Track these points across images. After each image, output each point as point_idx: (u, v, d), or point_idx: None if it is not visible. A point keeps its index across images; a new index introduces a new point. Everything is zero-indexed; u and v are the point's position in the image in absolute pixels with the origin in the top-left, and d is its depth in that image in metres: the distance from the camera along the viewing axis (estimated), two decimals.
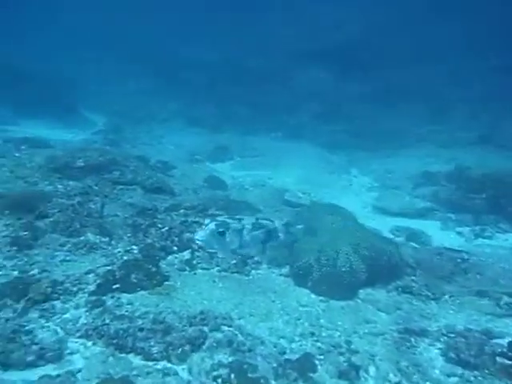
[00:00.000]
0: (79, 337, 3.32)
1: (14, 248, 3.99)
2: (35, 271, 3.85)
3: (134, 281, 3.99)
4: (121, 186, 6.18)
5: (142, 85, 17.50)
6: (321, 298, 4.15)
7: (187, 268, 4.55)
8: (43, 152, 6.60)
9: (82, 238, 4.43)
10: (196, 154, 11.33)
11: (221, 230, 2.89)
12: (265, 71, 18.36)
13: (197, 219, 5.28)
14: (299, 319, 3.81)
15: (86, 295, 3.73)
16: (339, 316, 3.89)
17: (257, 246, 3.10)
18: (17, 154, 6.37)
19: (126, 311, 3.54)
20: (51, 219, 4.49)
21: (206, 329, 3.45)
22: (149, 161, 8.49)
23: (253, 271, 4.67)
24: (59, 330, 3.36)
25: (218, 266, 4.64)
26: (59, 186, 5.80)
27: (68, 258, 4.12)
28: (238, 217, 3.09)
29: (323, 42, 19.07)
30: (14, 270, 3.81)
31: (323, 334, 3.63)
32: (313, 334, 3.61)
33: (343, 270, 4.26)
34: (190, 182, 8.03)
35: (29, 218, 4.40)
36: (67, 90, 14.46)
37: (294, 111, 15.83)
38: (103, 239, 4.55)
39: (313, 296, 4.19)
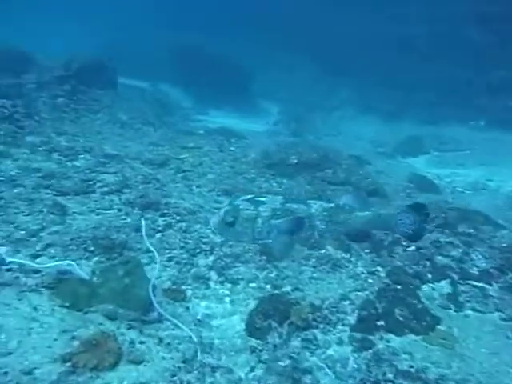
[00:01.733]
0: None
1: (264, 257, 3.74)
2: (288, 288, 3.48)
3: (400, 319, 3.20)
4: (333, 187, 5.59)
5: (310, 71, 16.96)
6: None
7: (452, 306, 3.52)
8: (254, 146, 6.60)
9: (322, 252, 3.92)
10: (380, 147, 10.08)
11: (229, 220, 2.39)
12: (446, 43, 15.12)
13: (449, 239, 4.15)
14: None
15: (348, 329, 3.14)
16: None
17: (278, 237, 2.41)
18: (232, 148, 6.51)
19: (411, 367, 2.76)
20: None
21: None
22: None
23: None
24: (327, 369, 2.85)
25: (498, 310, 3.44)
26: (274, 184, 5.59)
27: (315, 276, 3.65)
28: (261, 199, 2.47)
29: None
30: (266, 284, 3.53)
31: None
32: None
33: None
34: (393, 182, 6.90)
35: None
36: (242, 79, 14.82)
37: (497, 92, 12.56)
38: (344, 255, 3.94)
39: None
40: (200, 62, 14.59)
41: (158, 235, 3.94)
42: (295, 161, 5.78)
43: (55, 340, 2.11)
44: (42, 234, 3.40)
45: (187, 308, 3.27)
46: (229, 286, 3.54)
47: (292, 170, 5.75)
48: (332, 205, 2.54)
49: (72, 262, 2.91)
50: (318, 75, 16.60)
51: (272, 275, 3.62)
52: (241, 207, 2.46)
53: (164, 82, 14.25)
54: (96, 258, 3.37)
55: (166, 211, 4.17)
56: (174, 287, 3.44)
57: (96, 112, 6.64)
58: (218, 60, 14.71)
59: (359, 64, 16.53)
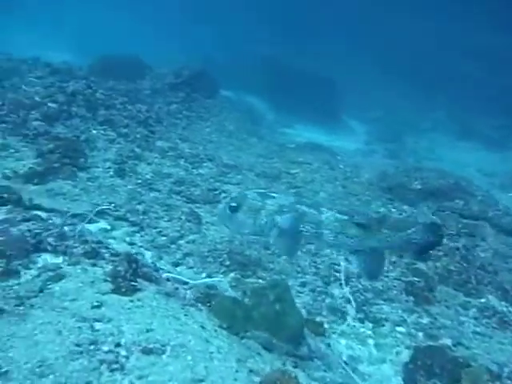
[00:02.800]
0: None
1: (411, 298, 3.24)
2: (447, 341, 2.93)
3: None
4: (465, 221, 4.88)
5: (400, 88, 15.90)
6: None
7: None
8: (364, 165, 6.15)
9: (483, 301, 3.30)
10: (492, 177, 8.95)
11: (233, 204, 2.21)
12: None
13: None
14: None
15: None
16: None
17: (280, 235, 2.19)
18: (341, 166, 6.13)
19: None
20: (437, 263, 3.58)
21: None
22: None
23: None
24: None
25: None
26: (393, 210, 5.06)
27: (479, 331, 3.04)
28: (272, 194, 2.30)
29: None
30: (417, 331, 3.02)
31: None
32: None
33: None
34: None
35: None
36: (327, 94, 14.19)
37: None
38: (510, 308, 3.27)
39: None
40: (284, 74, 14.42)
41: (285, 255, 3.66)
42: (419, 186, 5.19)
43: (237, 371, 1.87)
44: (180, 242, 3.30)
45: (328, 345, 2.91)
46: (370, 325, 3.11)
47: (414, 196, 5.16)
48: (346, 217, 2.20)
49: (223, 279, 2.72)
50: (409, 93, 15.50)
51: (424, 321, 3.10)
52: (248, 196, 2.24)
53: (245, 92, 14.19)
54: (232, 274, 3.17)
55: None
56: (310, 317, 3.12)
57: (206, 120, 6.73)
58: (302, 73, 14.43)
59: (454, 81, 15.24)
